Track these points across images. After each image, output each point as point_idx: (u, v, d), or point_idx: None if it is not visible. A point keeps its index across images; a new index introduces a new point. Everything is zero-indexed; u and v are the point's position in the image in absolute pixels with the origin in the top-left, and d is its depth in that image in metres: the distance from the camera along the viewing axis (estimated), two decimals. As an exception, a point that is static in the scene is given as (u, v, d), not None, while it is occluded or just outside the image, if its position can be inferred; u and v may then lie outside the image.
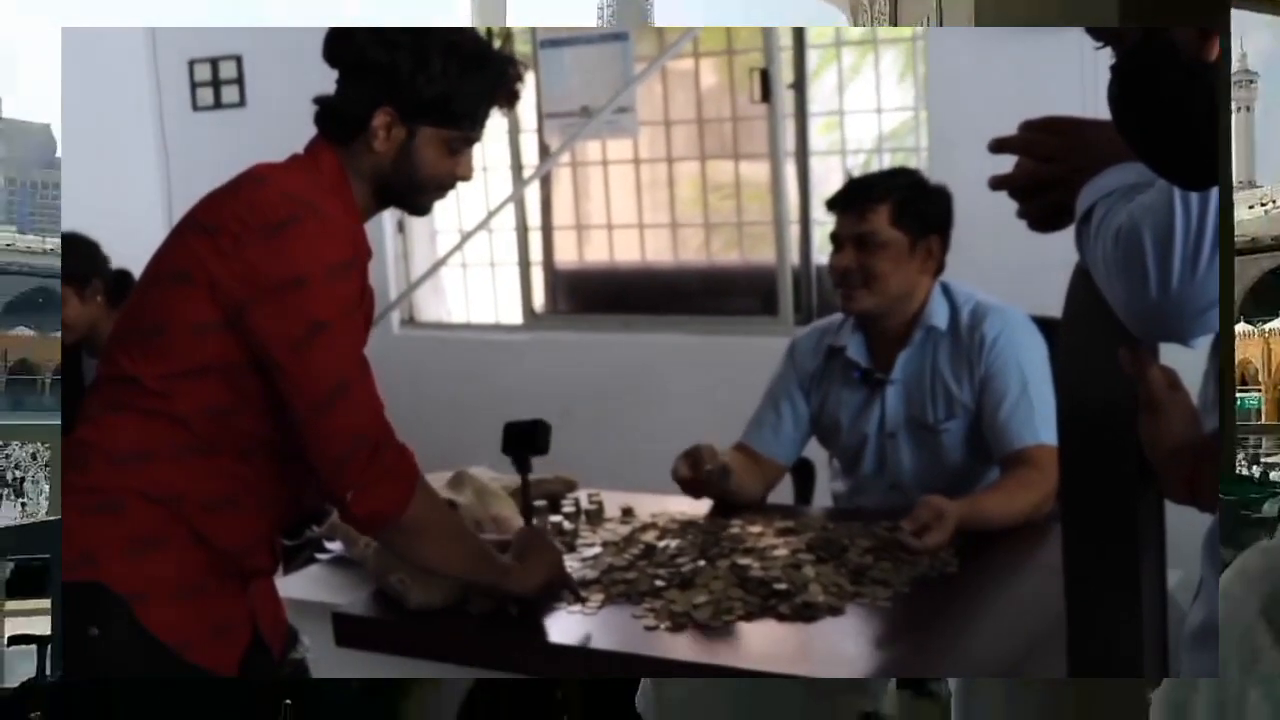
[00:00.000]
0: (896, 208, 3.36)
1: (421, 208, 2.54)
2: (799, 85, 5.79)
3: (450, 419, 5.90)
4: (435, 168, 2.45)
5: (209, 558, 2.38)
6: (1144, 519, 1.89)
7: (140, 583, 2.32)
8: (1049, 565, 3.00)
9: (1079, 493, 1.95)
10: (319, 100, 2.46)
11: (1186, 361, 1.88)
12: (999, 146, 2.01)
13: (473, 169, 2.52)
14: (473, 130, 2.47)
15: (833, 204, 3.44)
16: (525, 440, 2.80)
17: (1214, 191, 1.73)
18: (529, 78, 5.59)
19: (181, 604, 2.35)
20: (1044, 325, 3.50)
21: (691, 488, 3.33)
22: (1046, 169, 1.95)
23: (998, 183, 2.00)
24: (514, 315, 6.62)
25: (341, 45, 2.44)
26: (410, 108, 2.41)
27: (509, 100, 2.50)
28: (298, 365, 2.31)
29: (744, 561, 2.86)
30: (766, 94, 5.79)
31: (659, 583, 2.84)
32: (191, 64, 6.77)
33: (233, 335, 2.32)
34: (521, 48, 6.28)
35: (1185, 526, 2.02)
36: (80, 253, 3.86)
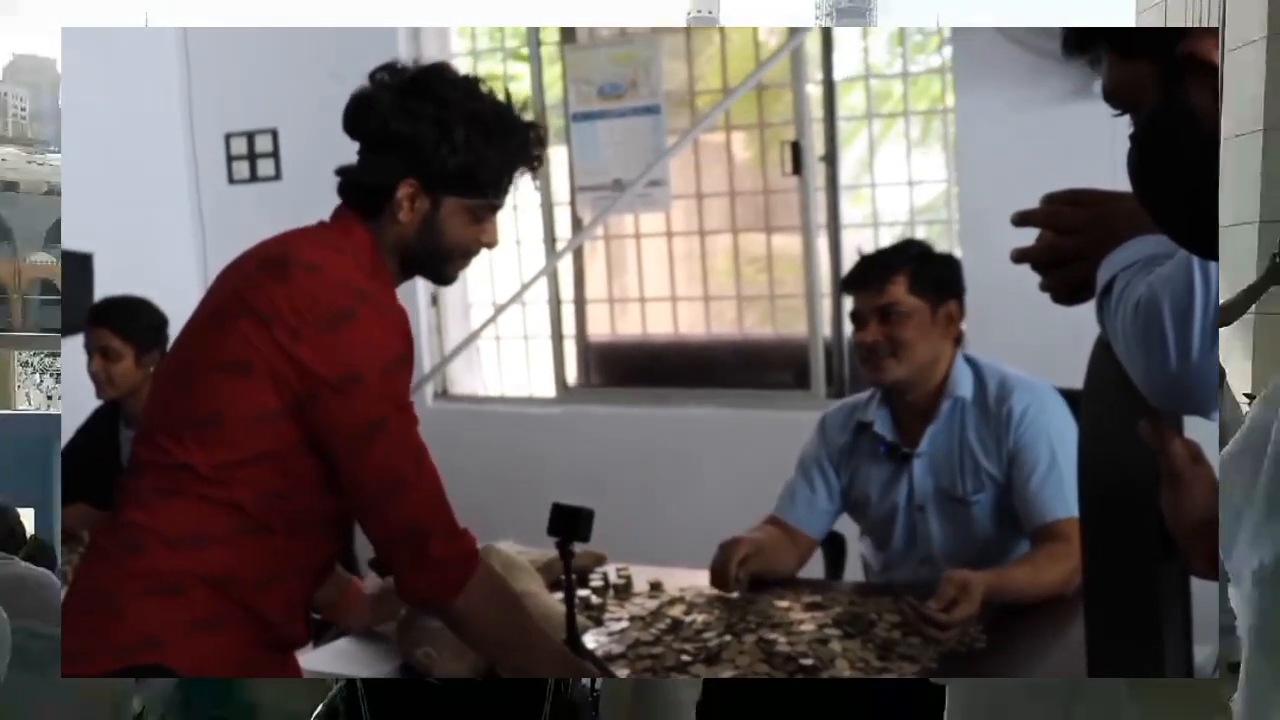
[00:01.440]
0: (913, 276, 3.36)
1: (447, 277, 2.52)
2: (830, 158, 5.80)
3: (482, 492, 5.87)
4: (460, 236, 2.45)
5: (256, 632, 2.38)
6: (1166, 592, 1.86)
7: (202, 663, 2.33)
8: (1079, 641, 2.99)
9: (1101, 566, 1.92)
10: (341, 171, 2.46)
11: (1208, 434, 1.86)
12: (1022, 220, 2.00)
13: (498, 236, 2.51)
14: (497, 198, 2.47)
15: (849, 284, 3.43)
16: (569, 525, 2.79)
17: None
18: (562, 151, 5.60)
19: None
20: (1071, 398, 3.48)
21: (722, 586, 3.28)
22: (1068, 242, 1.94)
23: (1020, 256, 2.00)
24: (547, 388, 6.63)
25: (363, 116, 2.43)
26: (434, 179, 2.41)
27: (532, 166, 2.49)
28: (356, 461, 2.31)
29: (771, 636, 2.83)
30: (798, 166, 5.80)
31: (685, 658, 2.82)
32: (228, 138, 6.86)
33: (290, 422, 2.31)
34: (554, 121, 6.33)
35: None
36: (147, 317, 3.93)
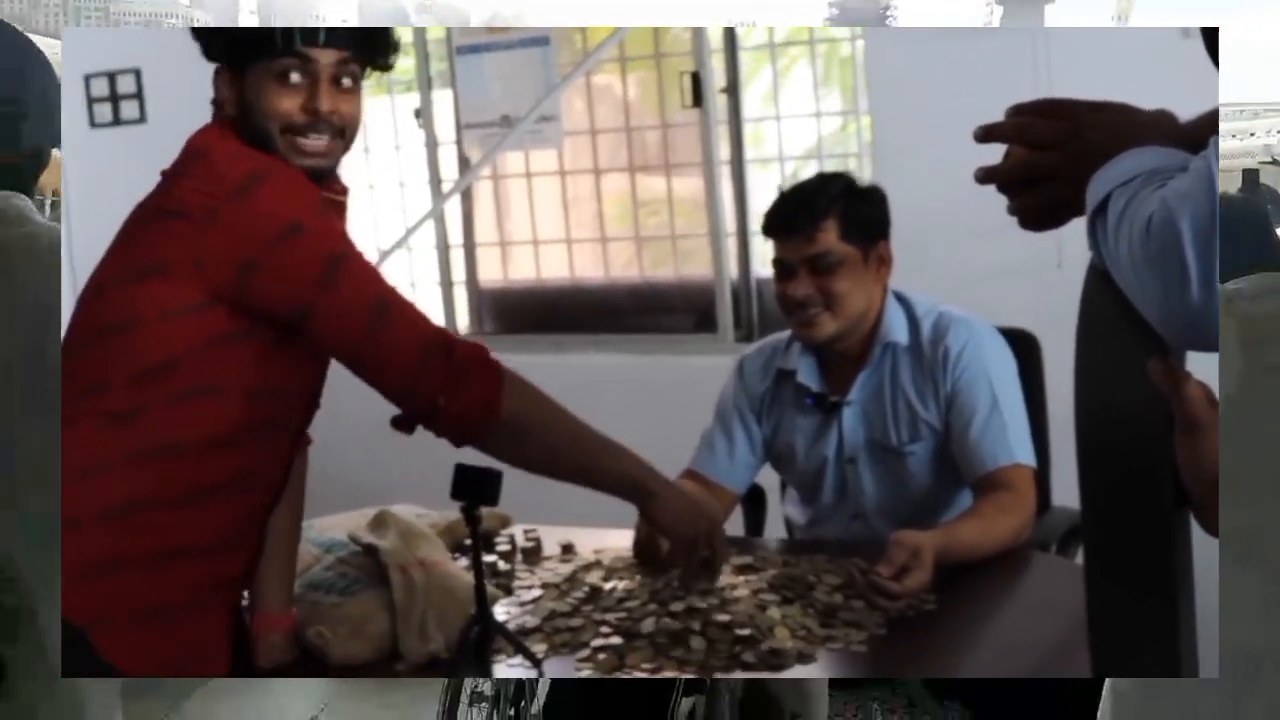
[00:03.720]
0: (844, 220, 3.08)
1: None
2: (732, 89, 5.52)
3: (373, 447, 5.57)
4: (272, 103, 2.28)
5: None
6: (1181, 563, 1.62)
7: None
8: (1034, 599, 2.78)
9: (1106, 529, 1.67)
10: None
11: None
12: (986, 135, 1.74)
13: (331, 102, 2.30)
14: (283, 48, 2.29)
15: (771, 228, 3.14)
16: (473, 488, 2.49)
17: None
18: (446, 88, 5.29)
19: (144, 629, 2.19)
20: (1009, 336, 3.27)
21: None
22: (1044, 158, 1.69)
23: (985, 175, 1.73)
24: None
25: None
26: (224, 54, 2.34)
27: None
28: (331, 297, 2.16)
29: (701, 605, 2.55)
30: (698, 99, 5.52)
31: (605, 629, 2.55)
32: (88, 79, 6.43)
33: (215, 311, 2.16)
34: (438, 57, 6.02)
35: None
36: None
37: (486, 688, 3.20)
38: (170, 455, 2.18)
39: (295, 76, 2.29)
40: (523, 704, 3.23)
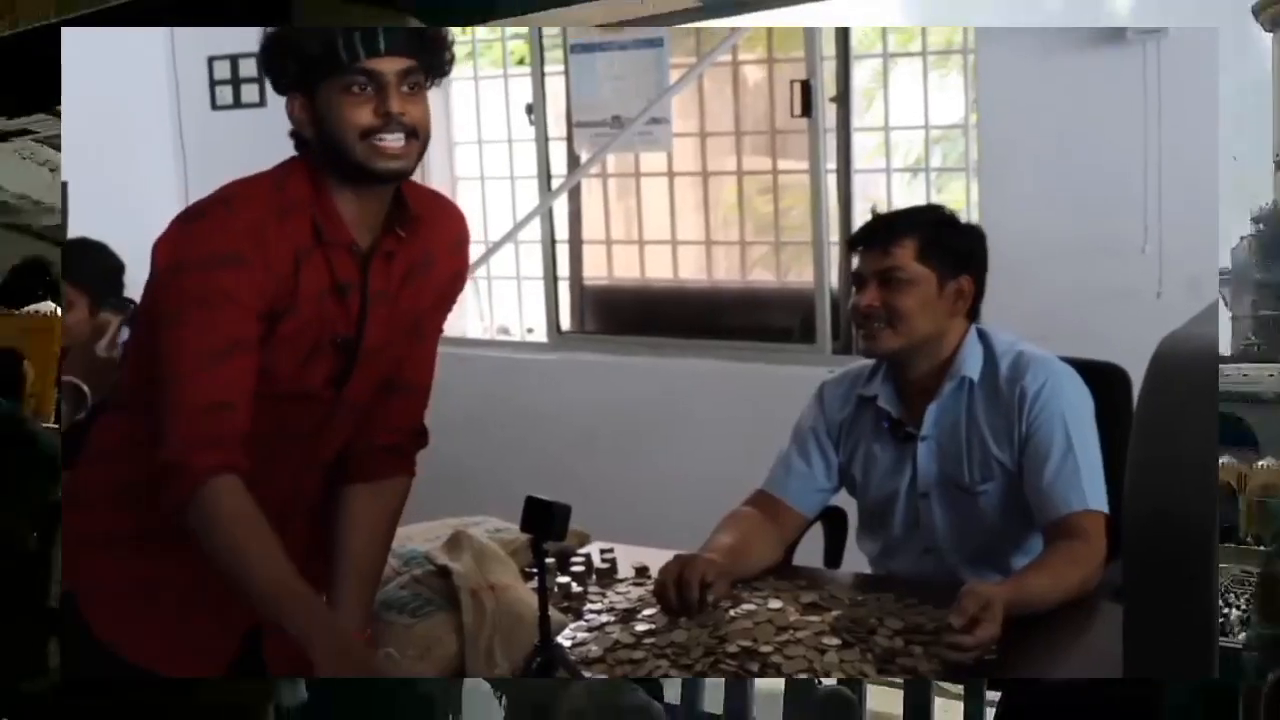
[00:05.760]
0: (924, 242, 3.08)
1: (367, 168, 2.41)
2: (843, 99, 5.49)
3: (470, 443, 5.65)
4: (348, 117, 2.38)
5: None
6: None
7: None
8: (1100, 650, 2.73)
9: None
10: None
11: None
12: None
13: (395, 105, 2.40)
14: (353, 62, 2.38)
15: (855, 242, 3.16)
16: (542, 522, 2.52)
17: None
18: (559, 84, 5.38)
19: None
20: (1100, 371, 3.22)
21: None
22: None
23: None
24: (539, 333, 6.36)
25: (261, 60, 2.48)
26: (298, 79, 2.41)
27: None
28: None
29: (761, 649, 2.57)
30: (808, 108, 5.49)
31: (663, 662, 2.58)
32: (211, 61, 6.55)
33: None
34: (552, 53, 6.04)
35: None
36: (98, 262, 3.69)
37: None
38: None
39: (363, 87, 2.38)
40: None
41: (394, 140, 2.39)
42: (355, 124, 2.38)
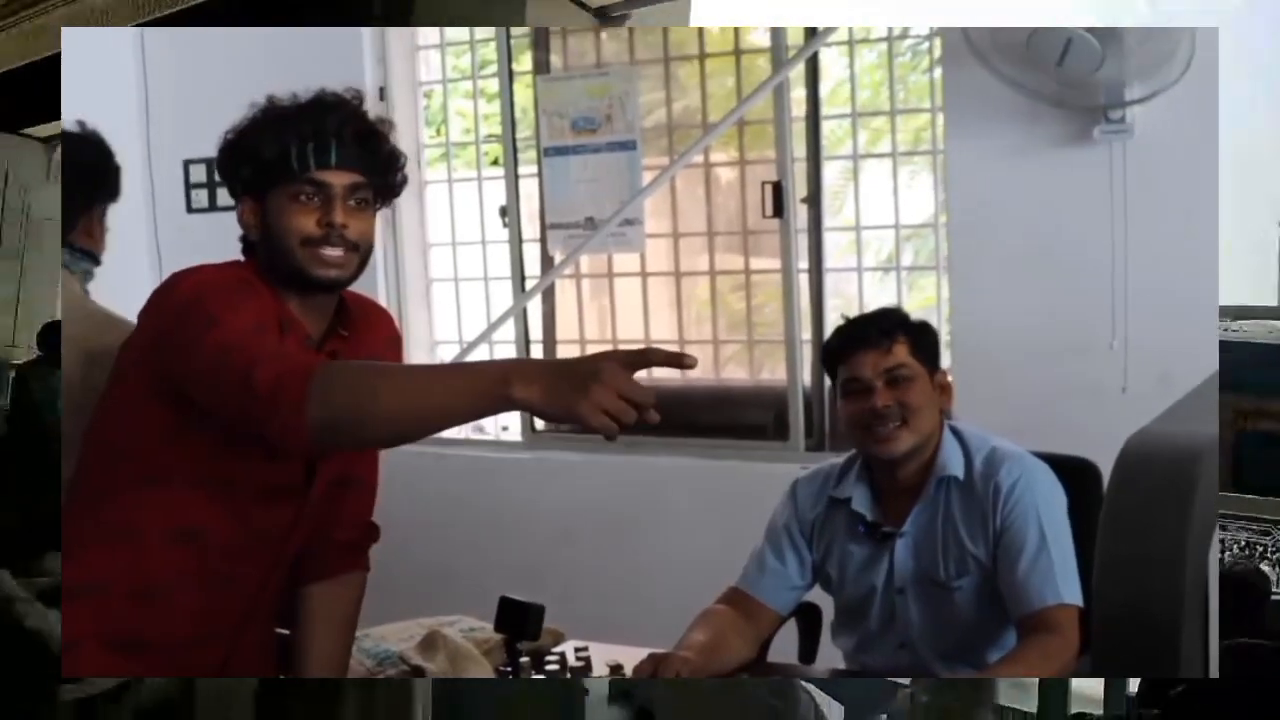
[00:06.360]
0: (912, 340, 3.13)
1: (308, 275, 2.48)
2: (813, 199, 5.55)
3: (444, 541, 5.65)
4: (292, 223, 2.46)
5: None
6: None
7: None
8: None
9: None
10: None
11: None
12: None
13: (339, 216, 2.47)
14: (300, 172, 2.46)
15: (841, 350, 3.16)
16: (516, 622, 2.54)
17: None
18: (533, 186, 5.44)
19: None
20: (1071, 467, 3.25)
21: None
22: None
23: None
24: (514, 432, 6.36)
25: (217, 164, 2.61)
26: (245, 185, 2.52)
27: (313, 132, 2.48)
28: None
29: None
30: (779, 209, 5.56)
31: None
32: (187, 164, 6.60)
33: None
34: (526, 155, 6.10)
35: None
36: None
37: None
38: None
39: (311, 196, 2.46)
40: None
41: (333, 252, 2.47)
42: (299, 231, 2.46)
